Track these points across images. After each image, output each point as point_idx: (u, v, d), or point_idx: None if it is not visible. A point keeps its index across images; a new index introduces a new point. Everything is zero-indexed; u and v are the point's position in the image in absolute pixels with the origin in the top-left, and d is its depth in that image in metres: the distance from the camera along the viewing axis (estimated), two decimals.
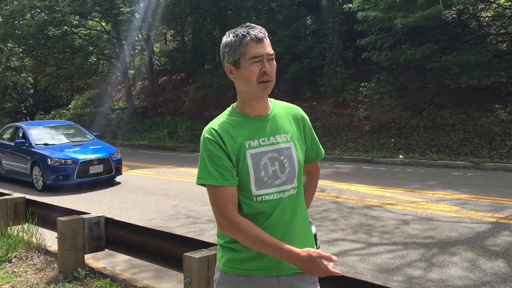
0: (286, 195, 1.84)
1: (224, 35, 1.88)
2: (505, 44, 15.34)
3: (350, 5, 14.92)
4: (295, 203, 1.88)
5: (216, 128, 1.83)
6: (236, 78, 1.84)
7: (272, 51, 1.83)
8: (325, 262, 1.70)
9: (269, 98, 1.92)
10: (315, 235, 2.02)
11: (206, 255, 3.16)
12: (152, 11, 21.78)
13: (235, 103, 1.92)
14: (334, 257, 1.70)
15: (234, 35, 1.81)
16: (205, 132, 1.84)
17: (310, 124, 2.00)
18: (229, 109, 1.91)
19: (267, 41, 1.83)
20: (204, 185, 1.82)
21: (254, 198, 1.81)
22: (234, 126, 1.84)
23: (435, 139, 13.47)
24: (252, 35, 1.79)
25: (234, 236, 1.79)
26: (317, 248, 1.97)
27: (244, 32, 1.80)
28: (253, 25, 1.84)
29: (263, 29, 1.84)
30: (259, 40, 1.79)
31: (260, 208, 1.82)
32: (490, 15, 16.42)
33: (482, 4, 16.14)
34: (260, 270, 1.82)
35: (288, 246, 1.73)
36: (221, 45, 1.87)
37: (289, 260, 1.74)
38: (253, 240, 1.75)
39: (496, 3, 15.50)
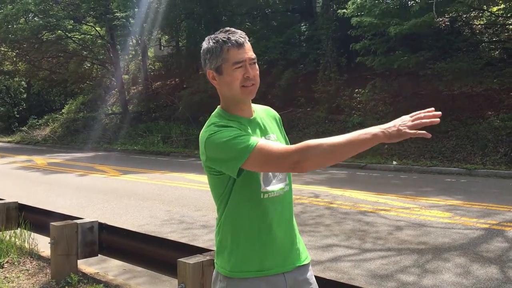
0: (283, 192, 1.88)
1: None
2: (497, 52, 15.49)
3: (345, 10, 15.01)
4: (290, 200, 1.94)
5: (221, 123, 1.79)
6: (219, 84, 1.83)
7: (253, 55, 1.82)
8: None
9: None
10: None
11: (200, 261, 3.16)
12: (147, 16, 21.80)
13: (220, 106, 1.90)
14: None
15: (214, 41, 1.80)
16: (211, 128, 1.77)
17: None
18: (218, 111, 1.88)
19: (248, 45, 1.82)
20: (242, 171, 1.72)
21: (262, 194, 1.82)
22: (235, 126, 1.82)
23: (428, 146, 13.53)
24: (233, 41, 1.78)
25: (316, 157, 1.62)
26: None
27: (225, 37, 1.79)
28: (233, 29, 1.83)
29: (243, 33, 1.84)
30: (240, 46, 1.79)
31: (265, 205, 1.82)
32: (482, 23, 16.57)
33: (475, 12, 16.28)
34: (268, 269, 1.82)
35: (365, 132, 1.60)
36: (201, 51, 1.86)
37: (373, 141, 1.60)
38: (330, 147, 1.60)
39: (489, 11, 15.64)
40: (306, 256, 1.96)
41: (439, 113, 1.59)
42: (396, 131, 1.58)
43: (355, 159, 14.09)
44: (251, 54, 1.81)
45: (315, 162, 1.64)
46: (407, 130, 1.57)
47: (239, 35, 1.81)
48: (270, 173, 1.84)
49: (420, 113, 1.61)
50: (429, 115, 1.60)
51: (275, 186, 1.84)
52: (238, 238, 1.84)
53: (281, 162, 1.66)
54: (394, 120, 1.61)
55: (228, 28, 1.84)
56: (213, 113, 1.89)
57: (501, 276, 4.66)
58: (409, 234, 6.15)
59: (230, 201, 1.84)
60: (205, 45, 1.84)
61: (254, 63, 1.82)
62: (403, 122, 1.59)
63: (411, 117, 1.61)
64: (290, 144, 1.99)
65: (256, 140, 1.69)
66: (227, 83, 1.81)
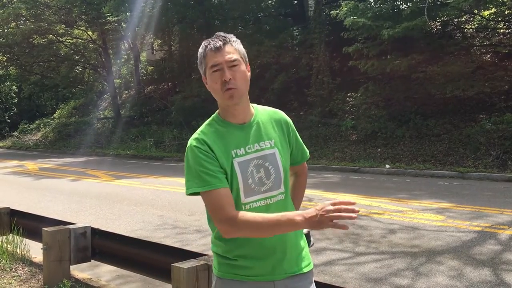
0: (273, 201, 1.85)
1: None
2: (488, 56, 15.60)
3: (338, 11, 15.05)
4: (284, 208, 1.89)
5: (204, 137, 1.82)
6: (208, 88, 1.85)
7: (233, 58, 1.78)
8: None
9: (251, 104, 1.91)
10: (308, 233, 2.04)
11: (194, 266, 3.14)
12: (139, 21, 21.76)
13: (218, 111, 1.91)
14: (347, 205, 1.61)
15: (201, 47, 1.83)
16: (193, 142, 1.83)
17: (294, 127, 1.99)
18: (213, 117, 1.90)
19: (228, 48, 1.79)
20: (197, 193, 1.79)
21: (243, 206, 1.81)
22: (220, 135, 1.83)
23: (421, 149, 13.59)
24: (211, 45, 1.79)
25: (243, 230, 1.74)
26: (311, 246, 2.04)
27: (207, 42, 1.82)
28: (221, 34, 1.83)
29: (229, 36, 1.82)
30: (217, 49, 1.78)
31: None
32: (474, 27, 16.70)
33: (466, 16, 16.41)
34: (256, 276, 1.84)
35: (288, 217, 1.67)
36: None
37: (296, 227, 1.70)
38: (259, 225, 1.71)
39: (480, 16, 15.77)
40: (306, 264, 1.93)
41: (358, 209, 1.62)
42: (317, 222, 1.60)
43: (348, 162, 14.13)
44: (229, 56, 1.78)
45: (241, 234, 1.75)
46: (328, 222, 1.59)
47: (220, 38, 1.80)
48: (253, 184, 1.82)
49: (341, 205, 1.59)
50: (349, 208, 1.59)
51: (258, 196, 1.83)
52: (226, 246, 1.86)
53: (216, 220, 1.76)
54: (316, 207, 1.62)
55: (218, 33, 1.85)
56: (210, 117, 1.91)
57: (494, 278, 4.67)
58: (402, 237, 6.16)
59: None
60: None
61: (234, 65, 1.79)
62: (323, 211, 1.59)
63: (333, 205, 1.60)
64: (306, 148, 2.05)
65: (215, 185, 1.74)
66: (210, 87, 1.82)
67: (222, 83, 1.78)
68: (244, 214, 1.72)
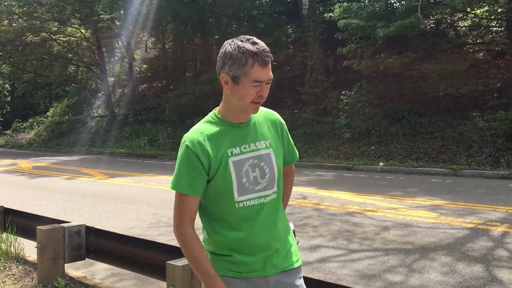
0: (267, 200, 1.89)
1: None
2: (481, 54, 15.69)
3: (331, 14, 15.09)
4: (276, 207, 1.94)
5: (199, 137, 1.83)
6: (230, 91, 1.82)
7: (272, 76, 1.81)
8: None
9: None
10: (293, 232, 2.08)
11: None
12: (133, 19, 21.68)
13: (217, 109, 1.92)
14: None
15: (241, 51, 1.75)
16: (187, 139, 1.84)
17: (287, 129, 2.04)
18: (211, 115, 1.91)
19: (270, 65, 1.80)
20: None
21: (237, 204, 1.84)
22: (217, 134, 1.85)
23: (415, 147, 13.65)
24: (260, 59, 1.75)
25: (179, 243, 1.88)
26: (297, 244, 2.06)
27: (252, 51, 1.75)
28: (260, 42, 1.79)
29: (269, 50, 1.81)
30: (265, 65, 1.77)
31: (242, 214, 1.85)
32: (467, 25, 16.78)
33: (459, 14, 16.48)
34: (249, 272, 1.87)
35: (210, 275, 1.82)
36: (221, 51, 1.82)
37: (206, 283, 1.85)
38: (189, 257, 1.86)
39: (473, 13, 15.84)
40: (295, 260, 1.98)
41: None
42: None
43: (342, 160, 14.18)
44: (270, 74, 1.81)
45: (179, 243, 1.89)
46: None
47: (267, 52, 1.78)
48: (248, 183, 1.84)
49: None
50: None
51: (253, 195, 1.86)
52: (218, 243, 1.89)
53: (175, 217, 1.90)
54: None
55: (255, 40, 1.80)
56: (208, 115, 1.92)
57: (486, 274, 4.72)
58: (395, 234, 6.19)
59: (210, 205, 1.90)
60: (228, 48, 1.79)
61: (269, 83, 1.83)
62: None
63: None
64: (296, 150, 2.09)
65: (186, 191, 1.82)
66: (240, 95, 1.80)
67: (256, 96, 1.80)
68: (189, 235, 1.84)
